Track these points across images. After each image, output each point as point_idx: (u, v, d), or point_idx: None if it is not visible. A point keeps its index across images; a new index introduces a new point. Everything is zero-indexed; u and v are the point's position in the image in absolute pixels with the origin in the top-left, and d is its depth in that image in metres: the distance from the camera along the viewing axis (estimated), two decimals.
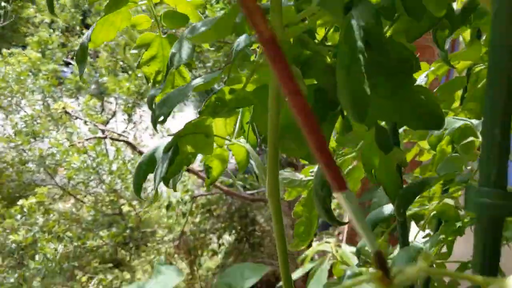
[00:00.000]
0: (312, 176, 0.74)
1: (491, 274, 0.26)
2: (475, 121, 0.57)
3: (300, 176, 0.73)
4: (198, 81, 0.43)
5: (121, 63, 4.23)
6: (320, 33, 0.46)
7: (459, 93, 0.82)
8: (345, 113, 0.47)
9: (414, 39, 0.48)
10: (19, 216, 3.58)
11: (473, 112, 0.75)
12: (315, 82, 0.46)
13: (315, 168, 0.75)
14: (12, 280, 3.62)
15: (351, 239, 3.00)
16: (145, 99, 4.05)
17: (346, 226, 3.13)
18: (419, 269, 0.22)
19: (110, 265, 4.04)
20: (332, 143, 0.56)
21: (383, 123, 0.53)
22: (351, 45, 0.35)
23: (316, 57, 0.43)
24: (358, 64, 0.34)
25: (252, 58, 0.52)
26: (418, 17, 0.38)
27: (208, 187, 0.74)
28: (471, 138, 0.58)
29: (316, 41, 0.45)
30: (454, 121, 0.57)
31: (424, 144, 0.83)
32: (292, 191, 0.77)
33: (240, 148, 0.66)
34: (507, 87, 0.25)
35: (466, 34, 0.76)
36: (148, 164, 0.57)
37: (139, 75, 3.68)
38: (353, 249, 1.73)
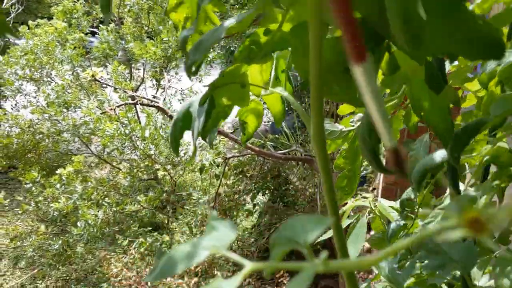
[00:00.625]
0: (353, 126, 0.70)
1: None
2: None
3: (340, 126, 0.70)
4: (230, 21, 0.39)
5: (146, 28, 4.20)
6: None
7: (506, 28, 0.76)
8: (392, 49, 0.43)
9: None
10: (58, 185, 3.68)
11: None
12: (358, 15, 0.42)
13: (356, 117, 0.72)
14: (56, 246, 3.77)
15: (386, 195, 2.96)
16: (172, 63, 4.03)
17: (381, 182, 3.09)
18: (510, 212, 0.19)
19: (149, 228, 4.15)
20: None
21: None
22: None
23: None
24: None
25: None
26: None
27: (245, 144, 0.72)
28: None
29: None
30: (508, 53, 0.51)
31: (470, 86, 0.78)
32: (332, 144, 0.74)
33: (276, 100, 0.63)
34: None
35: None
36: (184, 120, 0.55)
37: (164, 39, 3.64)
38: (392, 203, 1.70)
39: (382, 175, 3.10)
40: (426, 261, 0.45)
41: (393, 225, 0.84)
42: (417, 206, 0.84)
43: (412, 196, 0.80)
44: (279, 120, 0.67)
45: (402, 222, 0.84)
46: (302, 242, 0.23)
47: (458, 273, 0.58)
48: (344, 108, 0.73)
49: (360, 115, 0.72)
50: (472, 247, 0.44)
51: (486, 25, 0.35)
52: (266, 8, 0.40)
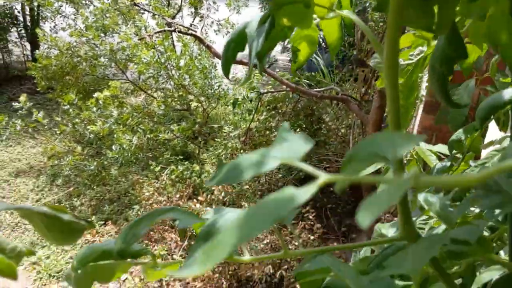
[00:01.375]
0: (412, 60, 0.67)
1: None
2: None
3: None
4: None
5: None
6: None
7: None
8: None
9: None
10: (95, 109, 3.76)
11: None
12: None
13: (416, 50, 0.68)
14: (92, 167, 3.92)
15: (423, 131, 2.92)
16: None
17: (416, 126, 3.03)
18: None
19: (181, 157, 4.25)
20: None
21: None
22: None
23: None
24: None
25: None
26: None
27: (294, 72, 0.70)
28: None
29: None
30: None
31: None
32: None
33: (335, 26, 0.60)
34: None
35: None
36: (238, 42, 0.53)
37: None
38: (430, 146, 1.67)
39: (418, 119, 3.03)
40: (483, 200, 0.43)
41: (438, 165, 0.82)
42: (466, 148, 0.82)
43: (462, 138, 0.77)
44: (335, 49, 0.64)
45: (448, 163, 0.82)
46: (390, 157, 0.21)
47: (499, 218, 0.56)
48: (404, 41, 0.69)
49: (420, 49, 0.68)
50: None
51: None
52: None
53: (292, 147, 0.25)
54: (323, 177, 0.22)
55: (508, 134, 0.65)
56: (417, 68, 0.62)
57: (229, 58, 0.54)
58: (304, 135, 0.25)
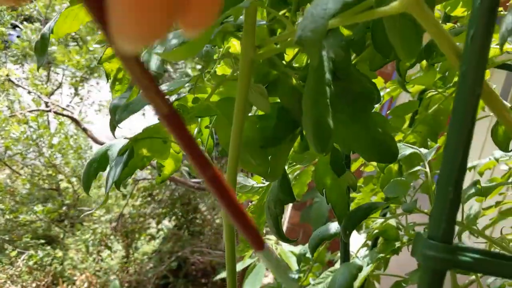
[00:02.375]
0: (264, 184, 0.75)
1: None
2: (423, 150, 0.59)
3: (252, 182, 0.74)
4: (162, 88, 0.42)
5: (72, 33, 4.06)
6: (289, 53, 0.46)
7: (408, 115, 0.86)
8: (304, 133, 0.48)
9: (377, 68, 0.49)
10: None
11: (422, 135, 0.79)
12: (279, 101, 0.47)
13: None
14: None
15: (290, 236, 3.06)
16: (95, 74, 3.92)
17: (286, 222, 3.19)
18: None
19: (43, 241, 3.91)
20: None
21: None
22: (319, 76, 0.36)
23: (282, 77, 0.44)
24: (324, 96, 0.35)
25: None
26: (387, 54, 0.39)
27: (159, 184, 0.74)
28: (418, 168, 0.60)
29: (284, 62, 0.45)
30: (404, 147, 0.59)
31: None
32: (242, 195, 0.77)
33: None
34: (464, 149, 0.26)
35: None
36: (100, 162, 0.55)
37: (91, 49, 3.54)
38: (292, 248, 1.77)
39: (288, 215, 3.20)
40: None
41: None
42: (311, 262, 0.90)
43: (308, 254, 0.85)
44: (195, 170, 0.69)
45: (297, 276, 0.89)
46: None
47: None
48: None
49: None
50: None
51: (384, 135, 0.41)
52: (199, 81, 0.43)
53: None
54: None
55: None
56: (265, 194, 0.70)
57: (90, 177, 0.56)
58: None
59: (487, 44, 0.27)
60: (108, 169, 0.54)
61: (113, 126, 0.41)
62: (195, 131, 0.58)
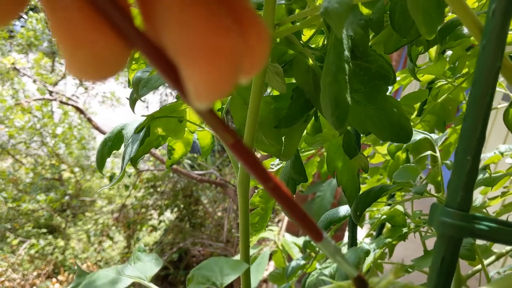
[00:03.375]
0: (272, 168, 0.75)
1: (445, 286, 0.29)
2: (434, 136, 0.60)
3: None
4: None
5: None
6: (307, 34, 0.47)
7: (417, 104, 0.87)
8: (319, 114, 0.49)
9: (392, 51, 0.50)
10: None
11: (430, 124, 0.80)
12: (294, 81, 0.47)
13: (276, 160, 0.77)
14: None
15: (291, 228, 3.08)
16: None
17: (286, 216, 3.20)
18: (389, 283, 0.24)
19: (44, 230, 3.93)
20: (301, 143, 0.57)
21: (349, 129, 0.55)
22: (339, 54, 0.36)
23: (299, 57, 0.45)
24: (343, 72, 0.36)
25: None
26: (404, 34, 0.40)
27: (168, 168, 0.74)
28: (428, 152, 0.61)
29: (301, 42, 0.46)
30: (415, 133, 0.60)
31: (380, 149, 0.87)
32: (251, 181, 0.78)
33: (207, 135, 0.66)
34: (483, 121, 0.27)
35: (432, 50, 0.80)
36: (114, 141, 0.56)
37: None
38: (295, 239, 1.78)
39: None
40: None
41: (293, 263, 0.89)
42: (318, 249, 0.91)
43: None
44: (206, 152, 0.70)
45: (302, 262, 0.90)
46: (218, 283, 0.26)
47: None
48: None
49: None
50: None
51: (399, 115, 0.42)
52: None
53: (144, 268, 0.28)
54: None
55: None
56: (276, 176, 0.70)
57: (104, 156, 0.57)
58: (155, 256, 0.29)
59: (507, 19, 0.27)
60: (123, 147, 0.55)
61: (134, 101, 0.42)
62: None
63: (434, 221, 0.29)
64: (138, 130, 0.50)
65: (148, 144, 0.53)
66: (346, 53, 0.36)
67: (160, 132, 0.53)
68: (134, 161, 0.50)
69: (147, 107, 5.07)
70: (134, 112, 0.48)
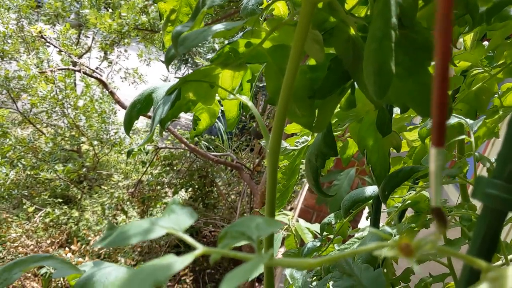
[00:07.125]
0: (297, 146, 0.74)
1: (487, 261, 0.28)
2: (469, 121, 0.58)
3: (285, 144, 0.74)
4: (219, 26, 0.42)
5: None
6: (350, 3, 0.45)
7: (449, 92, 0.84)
8: (355, 88, 0.48)
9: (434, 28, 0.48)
10: None
11: (461, 113, 0.78)
12: (332, 52, 0.46)
13: (301, 138, 0.76)
14: None
15: (303, 217, 3.08)
16: (125, 40, 3.93)
17: (300, 203, 3.20)
18: (433, 245, 0.23)
19: (60, 200, 3.99)
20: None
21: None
22: (386, 20, 0.35)
23: (340, 26, 0.43)
24: (389, 39, 0.35)
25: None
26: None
27: (192, 139, 0.74)
28: (463, 136, 0.59)
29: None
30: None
31: (408, 135, 0.85)
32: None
33: (234, 106, 0.66)
34: None
35: (467, 38, 0.78)
36: (144, 104, 0.56)
37: (123, 14, 3.55)
38: (308, 225, 1.78)
39: (303, 197, 3.21)
40: (338, 281, 0.49)
41: (309, 244, 0.89)
42: (335, 232, 0.90)
43: (333, 222, 0.85)
44: (232, 124, 0.70)
45: (318, 243, 0.89)
46: (254, 237, 0.26)
47: None
48: (291, 128, 0.77)
49: (305, 137, 0.76)
50: (381, 275, 0.49)
51: None
52: (255, 24, 0.43)
53: (178, 220, 0.28)
54: (200, 249, 0.26)
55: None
56: (300, 154, 0.69)
57: (132, 118, 0.57)
58: (190, 209, 0.29)
59: None
60: (152, 109, 0.55)
61: (171, 58, 0.41)
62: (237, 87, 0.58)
63: (478, 193, 0.28)
64: (169, 92, 0.49)
65: (178, 107, 0.52)
66: (394, 20, 0.35)
67: (191, 96, 0.52)
68: (163, 123, 0.50)
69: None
70: (168, 70, 0.47)
